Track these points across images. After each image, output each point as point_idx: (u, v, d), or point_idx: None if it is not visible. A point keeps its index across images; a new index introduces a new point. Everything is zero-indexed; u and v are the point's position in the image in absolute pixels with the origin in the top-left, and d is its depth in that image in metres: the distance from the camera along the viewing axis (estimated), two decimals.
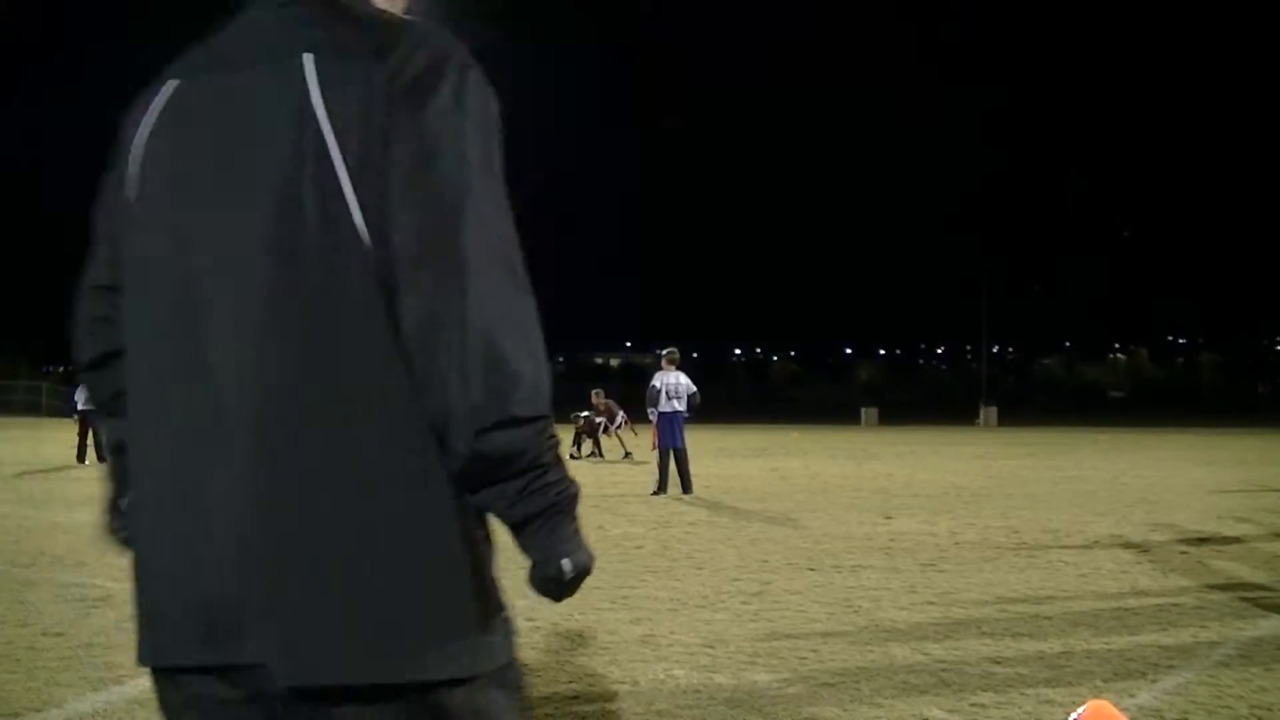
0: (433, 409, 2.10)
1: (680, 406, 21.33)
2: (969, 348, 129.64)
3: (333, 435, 2.11)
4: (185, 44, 2.47)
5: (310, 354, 2.12)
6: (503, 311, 2.13)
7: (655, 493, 20.67)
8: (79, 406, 28.16)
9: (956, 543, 14.01)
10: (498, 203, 2.21)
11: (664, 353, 21.80)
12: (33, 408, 77.62)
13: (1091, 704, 5.04)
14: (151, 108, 2.36)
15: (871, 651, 8.22)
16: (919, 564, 12.27)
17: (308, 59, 2.16)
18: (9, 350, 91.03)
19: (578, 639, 8.56)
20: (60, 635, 8.61)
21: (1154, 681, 7.49)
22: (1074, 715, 5.00)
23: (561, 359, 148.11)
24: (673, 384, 21.45)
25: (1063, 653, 8.24)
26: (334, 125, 2.11)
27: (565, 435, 33.60)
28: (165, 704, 2.43)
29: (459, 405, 2.08)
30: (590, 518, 16.32)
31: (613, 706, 6.86)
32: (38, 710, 6.73)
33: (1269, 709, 6.88)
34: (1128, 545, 13.77)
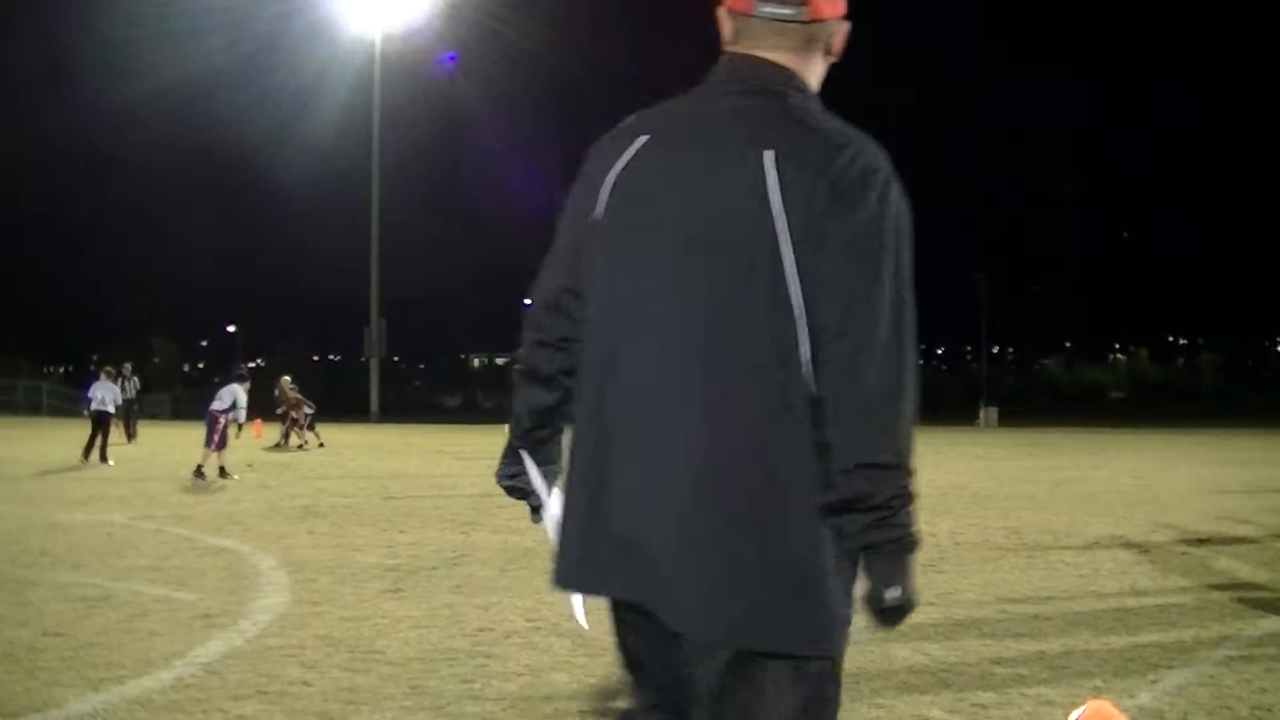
0: (827, 441, 2.75)
1: None
2: (969, 348, 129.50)
3: (756, 449, 2.82)
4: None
5: (740, 379, 2.81)
6: (897, 383, 2.76)
7: None
8: (91, 406, 28.17)
9: (957, 543, 14.01)
10: (904, 291, 2.80)
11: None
12: (34, 407, 77.55)
13: (1092, 704, 5.04)
14: (624, 154, 3.05)
15: (871, 651, 8.21)
16: (919, 564, 12.16)
17: (768, 156, 2.81)
18: (10, 350, 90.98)
19: (579, 639, 8.56)
20: (60, 635, 8.62)
21: (1154, 682, 7.50)
22: (1074, 715, 5.00)
23: None
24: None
25: (1063, 653, 8.25)
26: (785, 213, 2.75)
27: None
28: (616, 619, 3.35)
29: (842, 444, 2.73)
30: None
31: (613, 705, 6.86)
32: (38, 710, 6.73)
33: (1269, 709, 6.89)
34: (1128, 546, 13.77)
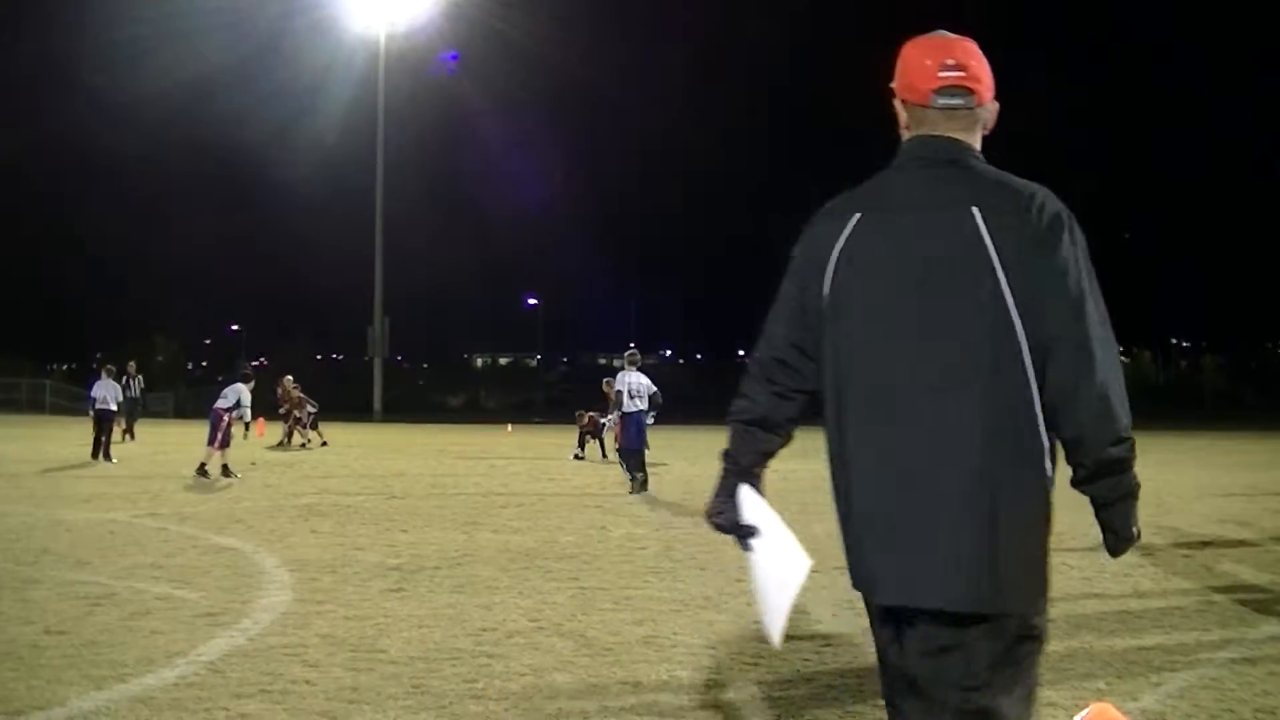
0: (1070, 435, 3.62)
1: (643, 405, 21.66)
2: None
3: (1004, 446, 3.60)
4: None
5: (984, 396, 3.53)
6: (1112, 374, 3.58)
7: (633, 492, 20.79)
8: (96, 405, 28.19)
9: None
10: (1099, 300, 3.60)
11: (626, 354, 22.18)
12: (37, 406, 77.63)
13: (1095, 707, 5.04)
14: (844, 232, 3.74)
15: (873, 653, 8.22)
16: None
17: (975, 210, 3.56)
18: (13, 348, 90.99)
19: (581, 639, 8.57)
20: (63, 633, 8.63)
21: (1157, 685, 7.50)
22: (1078, 718, 4.99)
23: (565, 359, 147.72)
24: (634, 385, 21.78)
25: (1066, 655, 8.25)
26: (997, 252, 3.49)
27: (570, 435, 33.53)
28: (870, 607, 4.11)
29: (1090, 432, 3.59)
30: (592, 519, 16.33)
31: (615, 705, 6.87)
32: (41, 709, 6.74)
33: (1272, 712, 6.89)
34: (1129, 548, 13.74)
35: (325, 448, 34.55)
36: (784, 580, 4.03)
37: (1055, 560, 11.54)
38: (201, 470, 23.02)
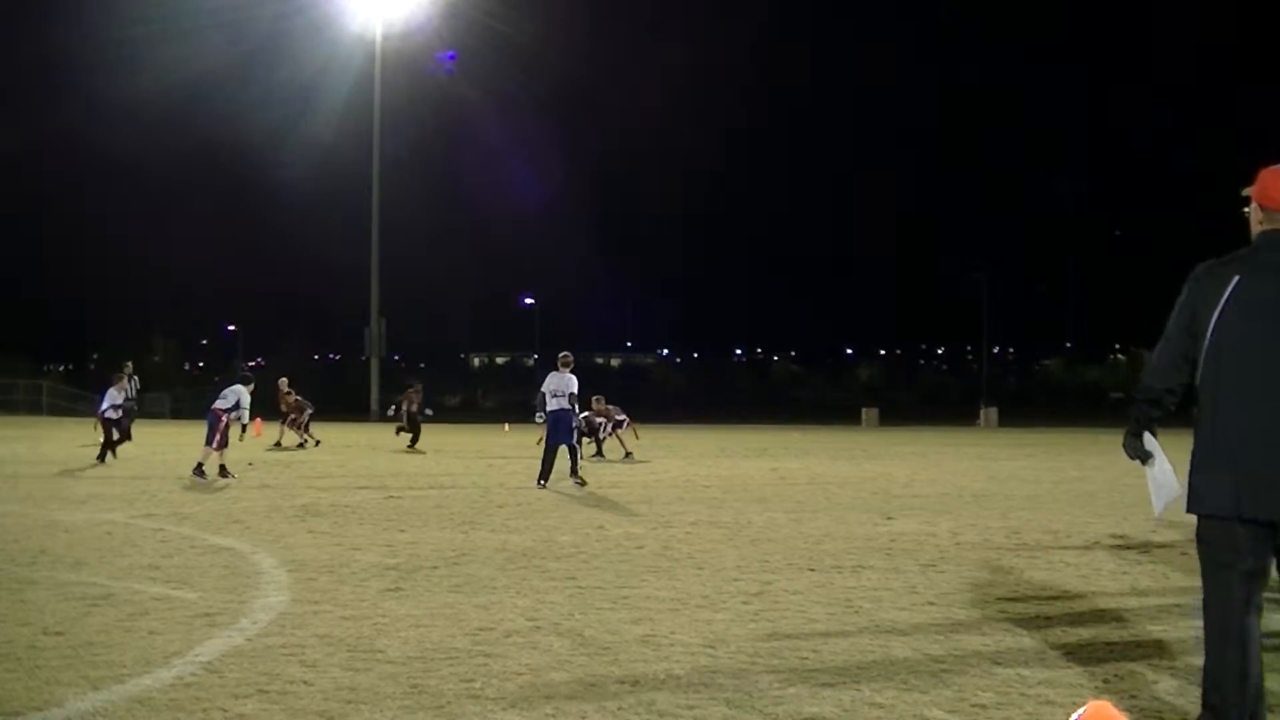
0: None
1: (566, 404, 22.52)
2: (969, 348, 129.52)
3: None
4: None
5: None
6: None
7: (540, 485, 21.90)
8: (104, 412, 28.01)
9: (957, 543, 14.01)
10: None
11: (560, 355, 22.83)
12: (34, 406, 77.62)
13: (1092, 704, 5.04)
14: (1229, 285, 5.86)
15: (872, 652, 8.23)
16: (919, 564, 12.27)
17: None
18: (10, 349, 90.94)
19: (578, 638, 8.57)
20: (61, 634, 8.62)
21: (1155, 683, 7.50)
22: (1075, 716, 4.99)
23: None
24: (556, 385, 22.72)
25: (1063, 653, 8.25)
26: None
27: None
28: (1207, 540, 6.14)
29: None
30: (590, 518, 16.31)
31: (612, 704, 6.86)
32: (38, 709, 6.73)
33: (1270, 709, 6.89)
34: (1128, 546, 13.77)
35: (319, 447, 34.55)
36: (1166, 485, 6.60)
37: (1053, 558, 11.53)
38: (199, 470, 23.00)
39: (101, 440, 27.92)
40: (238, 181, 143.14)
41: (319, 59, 75.29)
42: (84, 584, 10.72)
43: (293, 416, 35.64)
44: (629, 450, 31.19)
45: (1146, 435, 6.51)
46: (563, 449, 22.43)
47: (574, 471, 22.54)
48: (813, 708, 6.83)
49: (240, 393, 23.82)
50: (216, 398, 24.22)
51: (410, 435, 35.61)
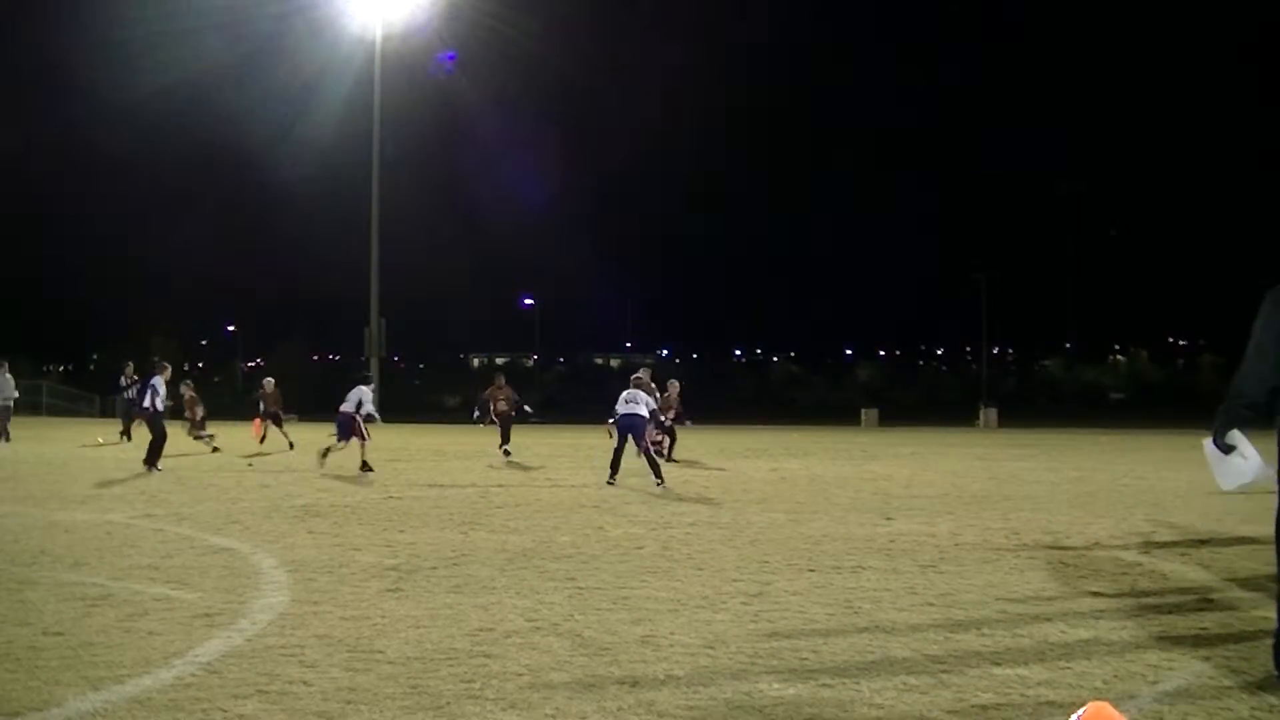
0: None
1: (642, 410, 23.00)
2: (969, 349, 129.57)
3: None
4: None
5: None
6: None
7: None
8: (147, 408, 26.39)
9: (957, 544, 14.01)
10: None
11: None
12: (33, 406, 77.54)
13: (1092, 705, 5.04)
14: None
15: (872, 652, 8.24)
16: (919, 565, 12.28)
17: None
18: (8, 348, 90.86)
19: (578, 639, 8.57)
20: (60, 634, 8.64)
21: (1154, 683, 7.51)
22: (1075, 716, 4.99)
23: (562, 359, 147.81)
24: (630, 394, 23.15)
25: (1063, 654, 8.25)
26: None
27: (569, 436, 33.47)
28: None
29: None
30: (590, 518, 16.31)
31: (612, 705, 6.87)
32: (38, 710, 6.74)
33: (1270, 709, 6.90)
34: (1127, 546, 13.77)
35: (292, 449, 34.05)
36: (1245, 470, 7.72)
37: (1052, 556, 11.54)
38: (365, 466, 25.08)
39: (129, 439, 27.11)
40: (238, 181, 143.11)
41: (319, 59, 75.19)
42: (84, 584, 10.73)
43: (278, 413, 35.43)
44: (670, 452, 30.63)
45: (1234, 431, 7.67)
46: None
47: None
48: (812, 708, 6.83)
49: (363, 393, 25.56)
50: (343, 401, 25.97)
51: (500, 434, 32.70)
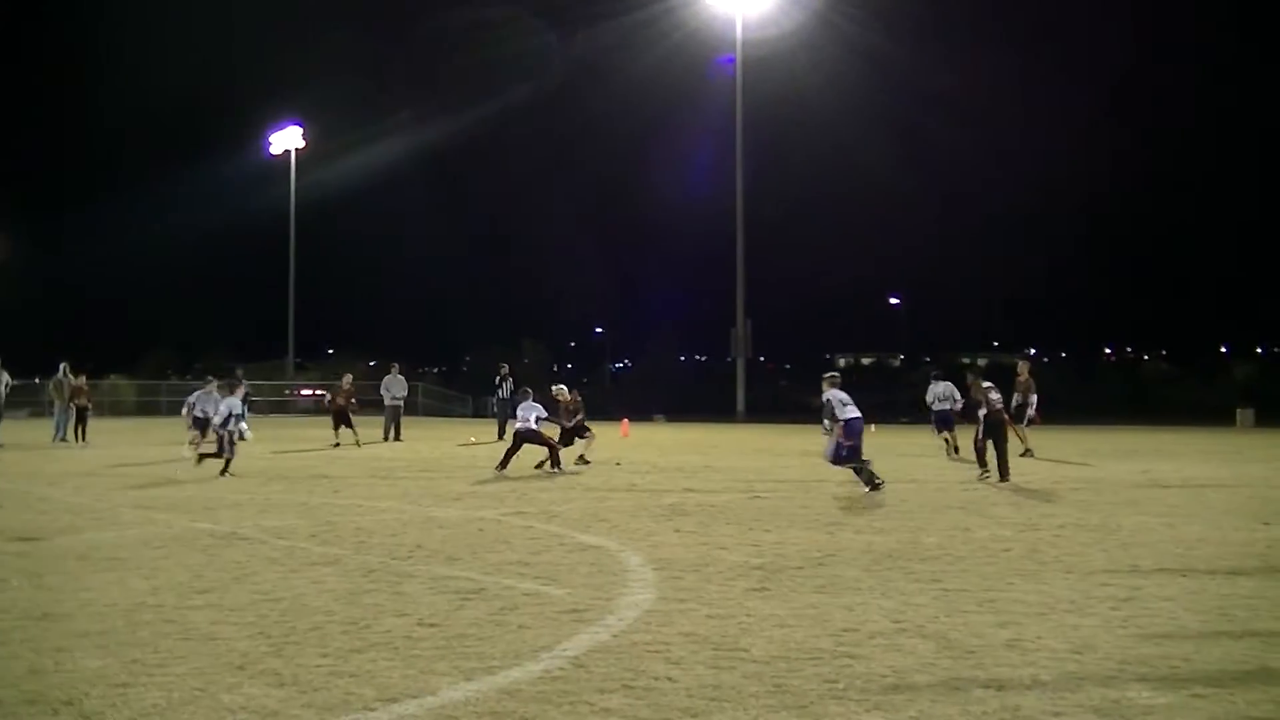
0: None
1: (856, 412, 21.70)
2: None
3: None
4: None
5: None
6: None
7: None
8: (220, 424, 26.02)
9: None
10: None
11: (827, 375, 22.20)
12: (410, 407, 79.96)
13: None
14: None
15: (1247, 662, 7.97)
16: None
17: None
18: (398, 354, 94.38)
19: (943, 641, 8.50)
20: (435, 626, 8.95)
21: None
22: None
23: (929, 358, 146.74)
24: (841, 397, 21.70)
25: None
26: None
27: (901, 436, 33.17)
28: None
29: None
30: (956, 519, 16.11)
31: (977, 709, 6.80)
32: (414, 696, 7.02)
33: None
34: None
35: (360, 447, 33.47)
36: None
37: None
38: (581, 459, 27.00)
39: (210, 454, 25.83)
40: (611, 186, 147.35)
41: (680, 58, 76.22)
42: (457, 578, 11.09)
43: (347, 406, 35.00)
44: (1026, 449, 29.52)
45: None
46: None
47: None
48: (1185, 719, 6.66)
49: (535, 408, 26.03)
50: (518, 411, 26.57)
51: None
